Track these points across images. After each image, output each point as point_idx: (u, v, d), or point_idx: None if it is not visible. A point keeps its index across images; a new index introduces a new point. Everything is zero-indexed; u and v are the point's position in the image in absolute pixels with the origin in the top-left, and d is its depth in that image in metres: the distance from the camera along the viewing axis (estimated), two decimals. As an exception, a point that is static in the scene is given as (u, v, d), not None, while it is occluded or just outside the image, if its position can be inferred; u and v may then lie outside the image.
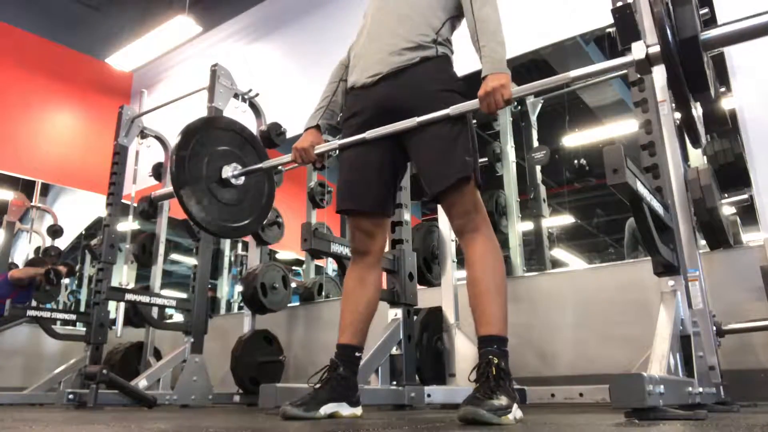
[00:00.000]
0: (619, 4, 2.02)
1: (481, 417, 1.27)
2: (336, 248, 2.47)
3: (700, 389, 1.62)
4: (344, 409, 1.61)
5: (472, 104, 1.59)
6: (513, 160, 3.79)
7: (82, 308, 6.55)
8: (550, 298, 3.09)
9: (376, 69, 1.75)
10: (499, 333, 1.53)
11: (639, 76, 1.99)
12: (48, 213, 6.48)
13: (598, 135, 7.01)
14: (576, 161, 7.51)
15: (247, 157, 1.99)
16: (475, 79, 1.61)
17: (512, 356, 1.56)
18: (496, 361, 1.45)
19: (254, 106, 4.08)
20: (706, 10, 2.42)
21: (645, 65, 1.35)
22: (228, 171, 1.91)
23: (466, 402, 1.32)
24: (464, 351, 2.74)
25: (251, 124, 4.16)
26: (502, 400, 1.34)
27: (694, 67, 1.26)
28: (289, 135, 4.01)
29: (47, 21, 6.10)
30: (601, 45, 5.93)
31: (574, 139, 7.20)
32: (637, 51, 1.36)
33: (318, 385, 1.63)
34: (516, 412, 1.38)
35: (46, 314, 4.08)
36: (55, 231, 6.14)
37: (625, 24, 2.00)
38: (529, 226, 3.99)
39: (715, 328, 1.95)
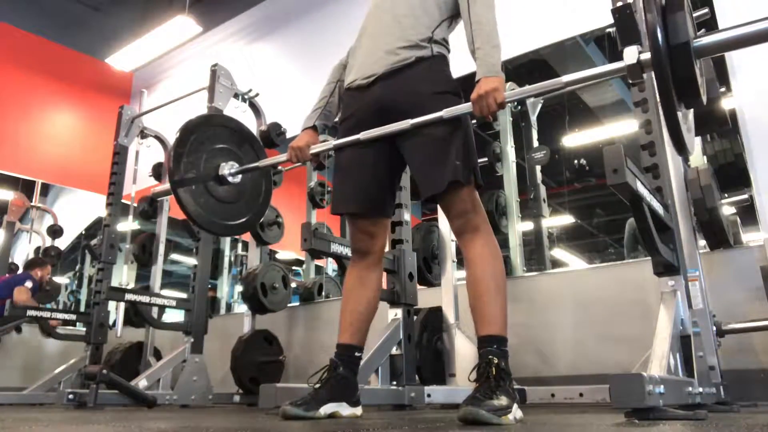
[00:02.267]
0: (619, 4, 2.02)
1: (481, 417, 1.27)
2: (336, 248, 2.46)
3: (700, 389, 1.62)
4: (344, 409, 1.61)
5: (466, 107, 1.58)
6: (513, 160, 3.78)
7: (82, 308, 6.55)
8: (550, 298, 3.09)
9: (372, 70, 1.74)
10: (498, 333, 1.53)
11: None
12: (48, 213, 6.48)
13: (598, 135, 7.02)
14: (576, 161, 7.51)
15: (245, 156, 2.00)
16: (472, 80, 1.59)
17: (512, 356, 1.56)
18: (496, 361, 1.45)
19: (254, 106, 4.08)
20: (705, 10, 2.42)
21: (637, 71, 1.34)
22: (225, 169, 1.92)
23: (466, 402, 1.32)
24: (464, 351, 2.73)
25: (251, 124, 4.16)
26: (502, 400, 1.34)
27: (685, 74, 1.23)
28: (289, 135, 4.01)
29: (47, 21, 6.10)
30: (601, 45, 5.93)
31: (574, 139, 7.20)
32: (629, 56, 1.35)
33: (318, 385, 1.63)
34: (516, 412, 1.38)
35: (46, 314, 4.08)
36: (55, 231, 6.14)
37: (625, 24, 2.00)
38: (529, 226, 3.99)
39: (715, 328, 1.95)
